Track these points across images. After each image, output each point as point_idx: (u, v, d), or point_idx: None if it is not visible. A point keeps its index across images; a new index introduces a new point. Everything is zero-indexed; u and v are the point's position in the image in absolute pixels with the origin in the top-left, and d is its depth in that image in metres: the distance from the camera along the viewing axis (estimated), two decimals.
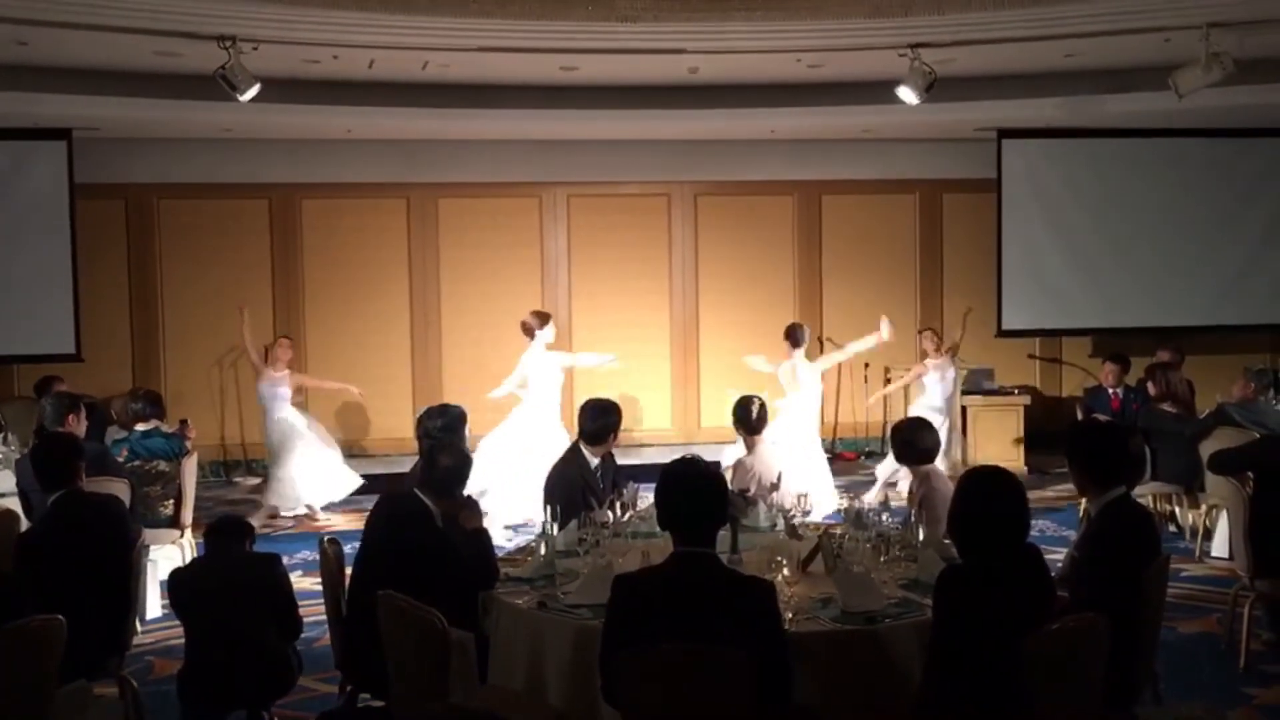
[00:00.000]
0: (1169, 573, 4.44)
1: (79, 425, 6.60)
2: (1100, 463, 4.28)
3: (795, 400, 8.93)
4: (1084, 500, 4.74)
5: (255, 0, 7.37)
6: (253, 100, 8.39)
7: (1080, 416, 9.78)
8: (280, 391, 9.68)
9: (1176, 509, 8.55)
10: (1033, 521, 3.88)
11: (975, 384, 10.94)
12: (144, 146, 11.13)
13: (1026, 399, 11.10)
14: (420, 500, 4.67)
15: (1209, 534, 7.78)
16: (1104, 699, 3.75)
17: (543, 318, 9.33)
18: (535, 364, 9.12)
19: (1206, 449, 7.42)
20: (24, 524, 5.89)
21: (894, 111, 9.47)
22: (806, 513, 5.44)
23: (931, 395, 10.17)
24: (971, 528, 3.73)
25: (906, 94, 8.82)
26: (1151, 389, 8.48)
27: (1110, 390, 9.42)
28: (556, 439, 8.28)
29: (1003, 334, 11.71)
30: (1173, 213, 11.67)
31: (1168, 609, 4.57)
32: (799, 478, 6.67)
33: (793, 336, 9.05)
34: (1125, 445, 4.44)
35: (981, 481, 3.80)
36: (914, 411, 9.76)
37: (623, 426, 6.15)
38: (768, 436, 6.67)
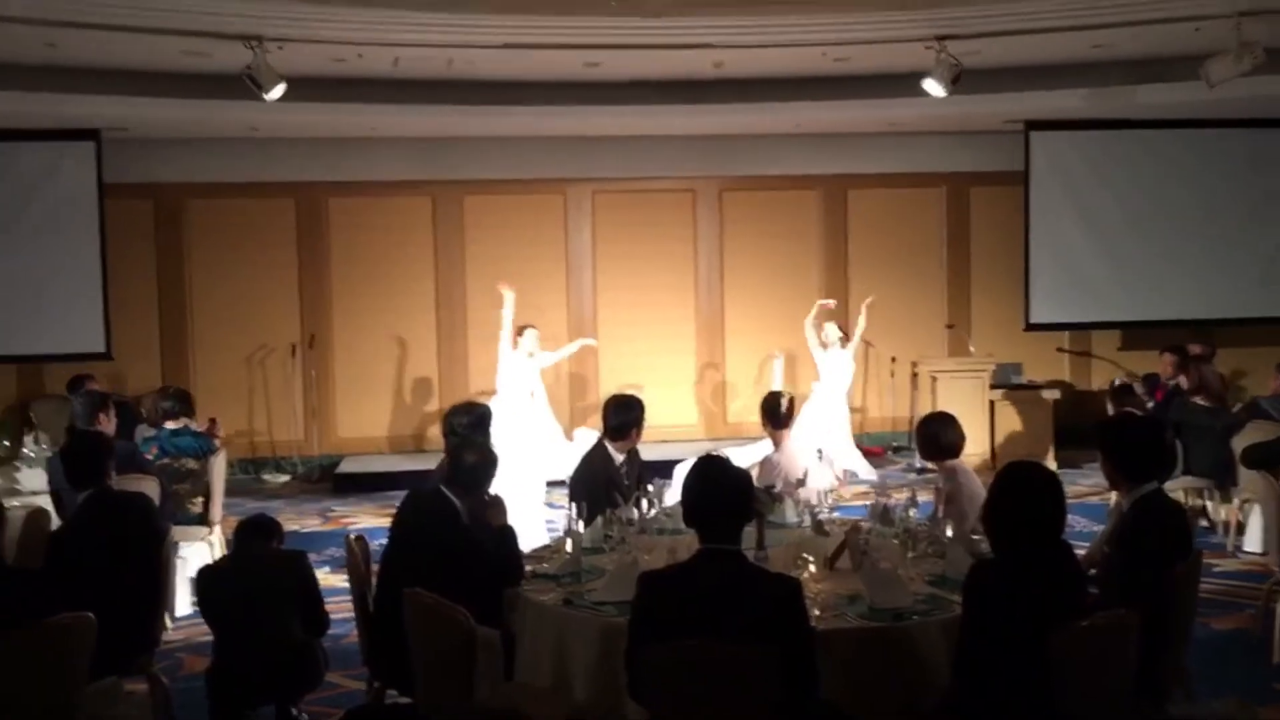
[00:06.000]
0: (1201, 568, 4.39)
1: (109, 423, 6.65)
2: (1132, 457, 4.23)
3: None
4: (1114, 494, 4.68)
5: (281, 0, 7.40)
6: (279, 99, 8.43)
7: (1110, 410, 9.71)
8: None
9: (1209, 503, 8.46)
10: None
11: (1003, 378, 10.87)
12: (172, 146, 11.22)
13: (1056, 393, 11.01)
14: (446, 497, 4.68)
15: (1242, 529, 7.69)
16: (1135, 695, 3.71)
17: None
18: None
19: (1239, 443, 7.34)
20: (55, 522, 5.94)
21: (920, 104, 9.42)
22: (833, 509, 5.42)
23: (827, 382, 10.29)
24: (1006, 522, 3.68)
25: (932, 86, 8.76)
26: (1184, 382, 8.40)
27: (1163, 381, 9.30)
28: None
29: (1031, 327, 11.62)
30: (1204, 204, 11.54)
31: (1200, 604, 4.51)
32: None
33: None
34: (1158, 439, 4.39)
35: (1019, 476, 3.75)
36: (814, 396, 10.24)
37: (647, 422, 6.13)
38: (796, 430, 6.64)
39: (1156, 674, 3.90)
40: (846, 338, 10.45)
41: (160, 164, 11.29)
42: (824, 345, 10.41)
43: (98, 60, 8.84)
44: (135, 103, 9.44)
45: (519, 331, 9.32)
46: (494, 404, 9.26)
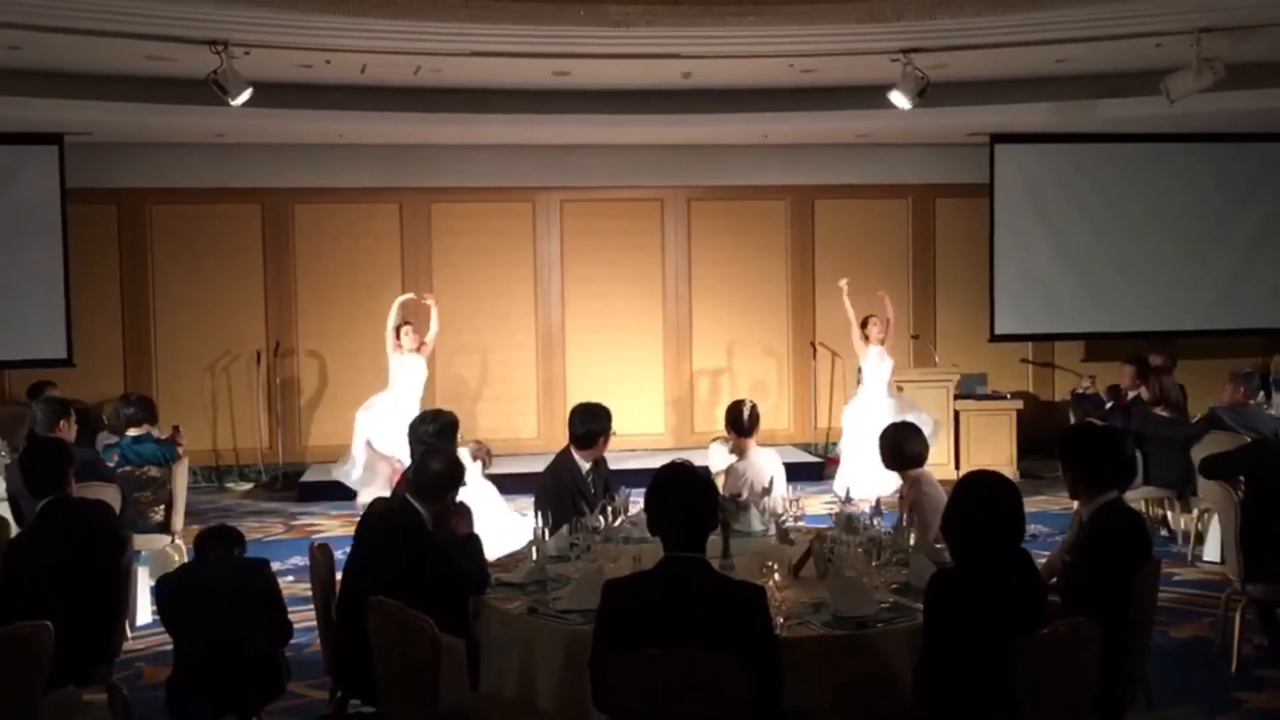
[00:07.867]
0: (1161, 577, 4.44)
1: (70, 430, 6.58)
2: (1093, 466, 4.28)
3: None
4: (1076, 504, 4.74)
5: (248, 5, 7.35)
6: (245, 105, 8.38)
7: (1073, 417, 9.82)
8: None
9: (1169, 513, 8.56)
10: (1026, 526, 3.87)
11: (968, 389, 10.95)
12: (136, 151, 11.12)
13: (1019, 404, 11.10)
14: (411, 505, 4.66)
15: (1201, 538, 7.78)
16: (1095, 703, 3.74)
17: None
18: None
19: (1198, 453, 7.43)
20: (15, 530, 5.86)
21: (887, 116, 9.49)
22: (798, 517, 5.44)
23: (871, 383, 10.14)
24: (966, 531, 3.72)
25: (899, 99, 8.83)
26: (1144, 393, 8.51)
27: (1125, 391, 9.39)
28: None
29: (995, 339, 11.73)
30: (1165, 217, 11.70)
31: (1160, 613, 4.57)
32: None
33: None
34: (1119, 449, 4.44)
35: (978, 485, 3.79)
36: (858, 403, 10.07)
37: (614, 430, 6.13)
38: None
39: (1117, 682, 3.94)
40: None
41: (124, 169, 11.19)
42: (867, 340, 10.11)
43: (62, 64, 8.75)
44: (99, 107, 9.34)
45: (398, 332, 9.95)
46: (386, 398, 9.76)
